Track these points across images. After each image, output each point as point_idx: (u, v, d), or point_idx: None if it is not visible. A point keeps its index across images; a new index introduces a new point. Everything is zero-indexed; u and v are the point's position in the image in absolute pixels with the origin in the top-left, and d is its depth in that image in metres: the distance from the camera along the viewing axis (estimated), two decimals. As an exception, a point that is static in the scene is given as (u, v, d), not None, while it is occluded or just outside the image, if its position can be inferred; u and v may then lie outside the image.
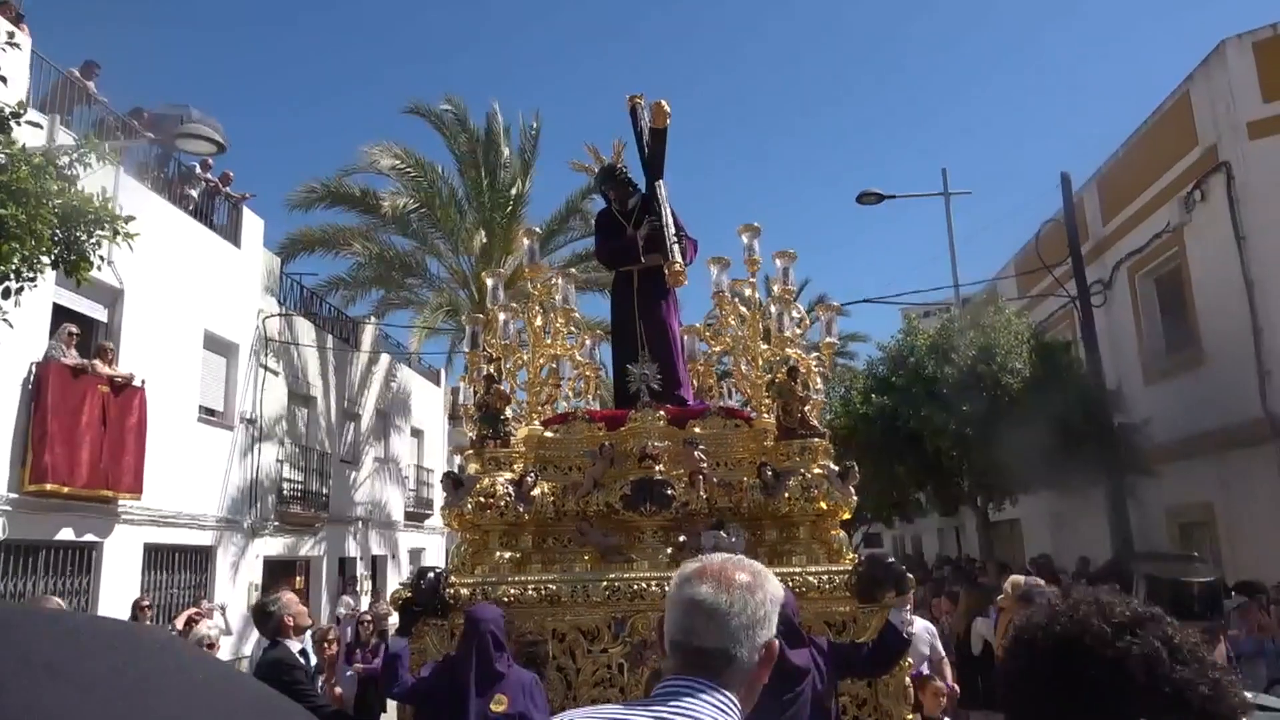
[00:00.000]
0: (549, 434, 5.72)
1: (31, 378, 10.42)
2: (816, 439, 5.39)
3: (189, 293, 13.48)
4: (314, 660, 7.26)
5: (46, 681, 0.56)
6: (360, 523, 19.74)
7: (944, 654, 7.32)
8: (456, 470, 5.81)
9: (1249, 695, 1.48)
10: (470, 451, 5.57)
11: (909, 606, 4.29)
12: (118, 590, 11.23)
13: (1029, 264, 16.60)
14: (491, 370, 5.73)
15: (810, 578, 4.80)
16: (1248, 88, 12.14)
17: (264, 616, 4.92)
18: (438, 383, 25.97)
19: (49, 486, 10.23)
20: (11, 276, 6.48)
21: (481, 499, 5.16)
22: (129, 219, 7.12)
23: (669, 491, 5.19)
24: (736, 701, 1.50)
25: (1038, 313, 17.09)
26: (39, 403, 10.35)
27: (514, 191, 19.71)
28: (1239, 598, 8.16)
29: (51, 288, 9.95)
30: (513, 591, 4.83)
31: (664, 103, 6.10)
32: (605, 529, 5.32)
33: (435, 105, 19.36)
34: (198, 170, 14.80)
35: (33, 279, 6.73)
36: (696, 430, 5.57)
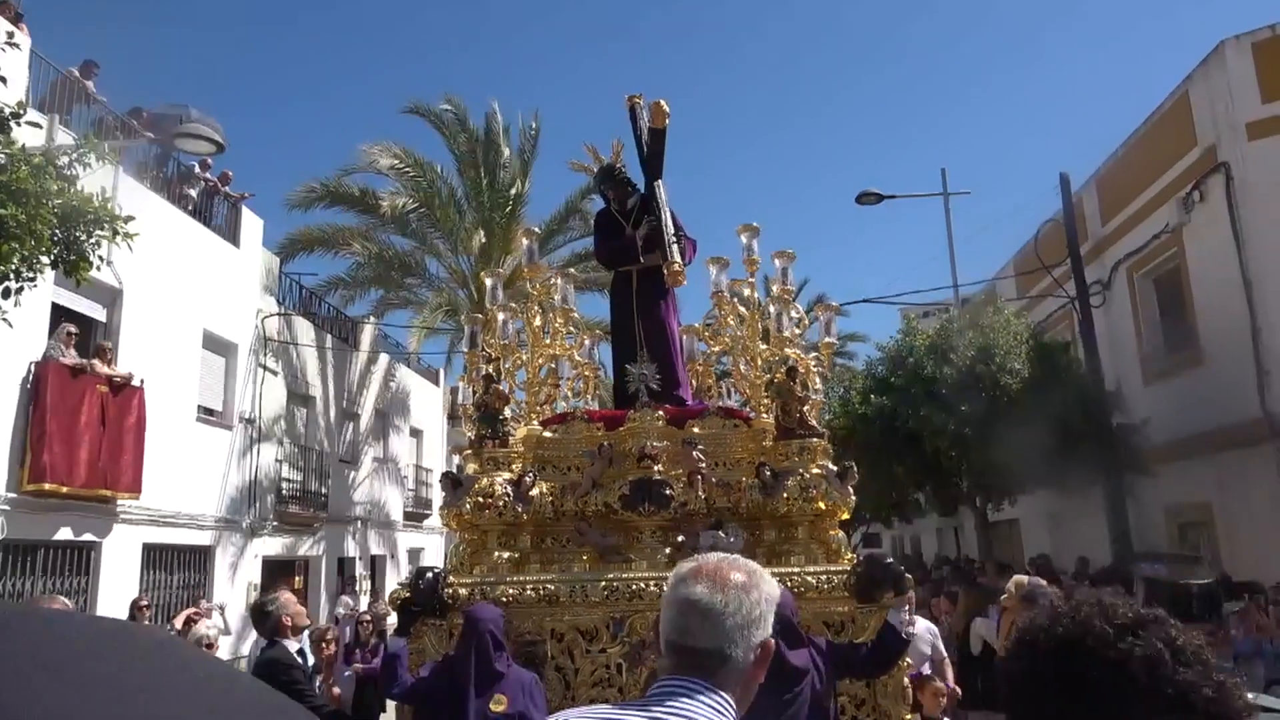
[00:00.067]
0: (548, 434, 5.72)
1: (30, 377, 10.41)
2: (815, 439, 5.39)
3: (188, 292, 13.47)
4: (311, 660, 7.26)
5: (48, 682, 0.56)
6: (359, 522, 19.74)
7: (945, 654, 7.29)
8: (455, 470, 5.81)
9: (1249, 696, 1.48)
10: (469, 451, 5.57)
11: (906, 607, 4.28)
12: (116, 590, 11.22)
13: (1028, 264, 16.62)
14: (490, 370, 5.72)
15: (809, 578, 4.80)
16: (1247, 88, 12.16)
17: (262, 616, 4.92)
18: (437, 383, 25.96)
19: (48, 486, 10.22)
20: (11, 276, 6.48)
21: (480, 499, 5.15)
22: (129, 219, 7.12)
23: (667, 491, 5.19)
24: (732, 702, 1.50)
25: (1037, 313, 17.11)
26: (38, 402, 10.34)
27: (513, 191, 19.70)
28: (1237, 603, 8.16)
29: (50, 287, 9.94)
30: (511, 591, 4.83)
31: (663, 103, 6.10)
32: (604, 529, 5.32)
33: (435, 105, 19.38)
34: (197, 170, 14.79)
35: (32, 279, 6.72)
36: (695, 430, 5.57)
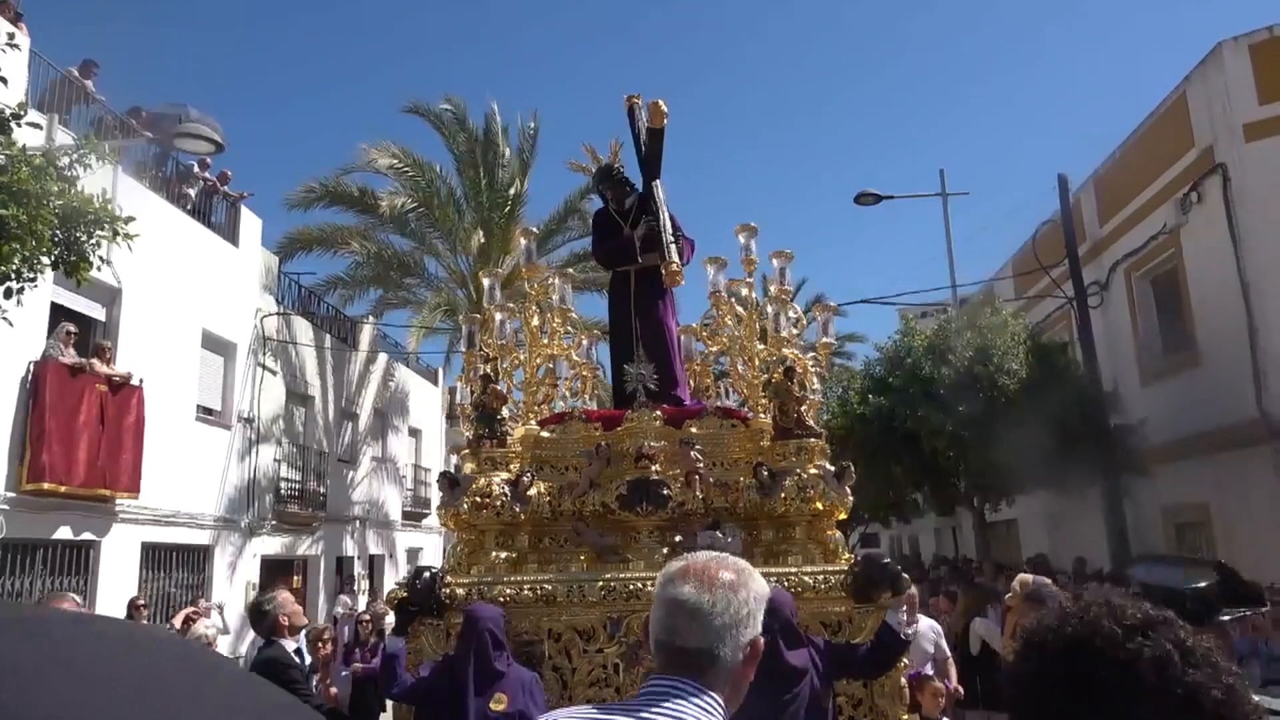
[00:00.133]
0: (545, 434, 5.73)
1: (29, 376, 10.42)
2: (813, 439, 5.40)
3: (187, 292, 13.47)
4: (308, 660, 7.26)
5: (80, 685, 0.57)
6: (358, 522, 19.75)
7: (949, 654, 7.27)
8: (452, 470, 5.82)
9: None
10: (466, 451, 5.56)
11: (905, 608, 4.28)
12: (115, 589, 11.22)
13: (1026, 265, 16.64)
14: (488, 370, 5.73)
15: (806, 578, 4.81)
16: (1244, 90, 12.17)
17: (259, 616, 4.93)
18: (435, 382, 25.96)
19: (46, 485, 10.23)
20: (12, 277, 6.49)
21: (478, 499, 5.16)
22: (129, 220, 7.12)
23: (665, 491, 5.20)
24: (722, 702, 1.50)
25: (1035, 314, 17.13)
26: (37, 401, 10.35)
27: (512, 191, 19.70)
28: (1236, 611, 8.13)
29: (50, 287, 9.94)
30: (508, 591, 4.83)
31: (661, 102, 6.11)
32: (601, 529, 5.32)
33: (434, 104, 19.38)
34: (196, 169, 14.79)
35: (33, 279, 6.73)
36: (693, 430, 5.58)
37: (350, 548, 19.25)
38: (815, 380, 5.96)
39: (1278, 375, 11.55)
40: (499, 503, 5.15)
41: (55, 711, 0.54)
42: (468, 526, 5.37)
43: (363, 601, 15.27)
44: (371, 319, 21.07)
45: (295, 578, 16.67)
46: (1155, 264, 14.38)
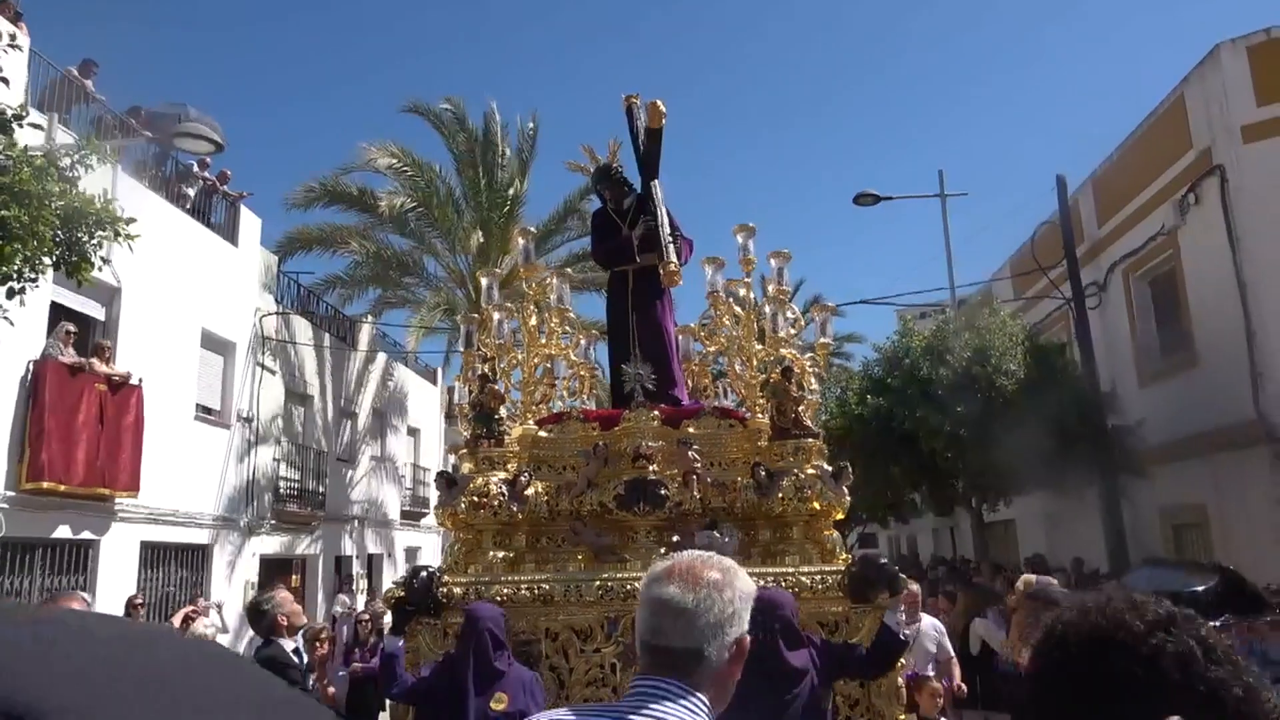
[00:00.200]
0: (543, 433, 5.73)
1: (29, 376, 10.43)
2: (810, 439, 5.41)
3: (186, 291, 13.48)
4: (305, 659, 7.27)
5: (83, 680, 0.58)
6: (356, 521, 19.75)
7: (952, 653, 7.27)
8: (450, 469, 5.82)
9: None
10: (464, 451, 5.57)
11: (903, 608, 4.29)
12: (114, 588, 11.23)
13: (1024, 266, 16.66)
14: (486, 370, 5.74)
15: (803, 578, 4.82)
16: (1242, 91, 12.20)
17: (258, 615, 4.95)
18: (434, 382, 25.97)
19: (46, 484, 10.24)
20: (14, 277, 6.50)
21: (475, 498, 5.16)
22: (130, 220, 7.13)
23: (663, 491, 5.21)
24: (708, 703, 1.49)
25: (1033, 314, 17.14)
26: (36, 400, 10.36)
27: (511, 191, 19.71)
28: (1233, 617, 8.12)
29: (49, 286, 9.95)
30: (506, 591, 4.84)
31: (659, 102, 6.12)
32: (599, 529, 5.33)
33: (434, 104, 19.39)
34: (195, 169, 14.80)
35: (34, 279, 6.74)
36: (691, 430, 5.58)
37: (349, 547, 19.26)
38: (813, 380, 5.96)
39: (1275, 376, 11.57)
40: (496, 502, 5.15)
41: (61, 704, 0.55)
42: (465, 526, 5.37)
43: (361, 601, 15.30)
44: (370, 318, 21.07)
45: (294, 577, 16.68)
46: (1153, 265, 14.40)
